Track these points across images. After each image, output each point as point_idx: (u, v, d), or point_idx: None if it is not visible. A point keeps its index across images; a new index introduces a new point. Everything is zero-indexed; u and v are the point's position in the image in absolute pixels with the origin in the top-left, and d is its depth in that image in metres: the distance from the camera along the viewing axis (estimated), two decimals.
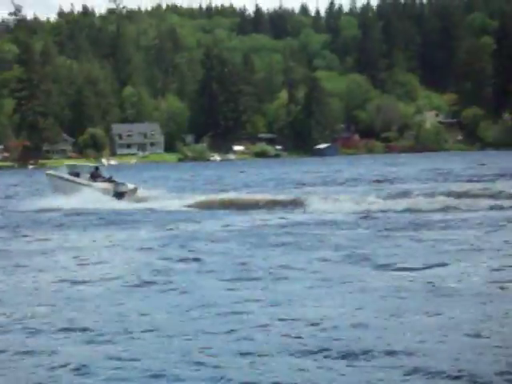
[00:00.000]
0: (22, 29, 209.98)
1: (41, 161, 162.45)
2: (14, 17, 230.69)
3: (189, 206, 37.75)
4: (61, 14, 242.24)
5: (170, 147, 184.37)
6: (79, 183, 44.61)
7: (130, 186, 44.65)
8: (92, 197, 41.53)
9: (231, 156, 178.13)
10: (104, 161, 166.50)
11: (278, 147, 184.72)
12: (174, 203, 39.08)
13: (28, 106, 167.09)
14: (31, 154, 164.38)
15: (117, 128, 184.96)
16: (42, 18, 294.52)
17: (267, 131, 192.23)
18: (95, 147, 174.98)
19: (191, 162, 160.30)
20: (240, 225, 29.92)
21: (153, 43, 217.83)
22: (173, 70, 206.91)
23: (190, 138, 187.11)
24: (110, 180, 45.33)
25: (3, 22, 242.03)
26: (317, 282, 16.48)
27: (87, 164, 55.12)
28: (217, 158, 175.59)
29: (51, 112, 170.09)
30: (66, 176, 46.28)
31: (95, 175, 45.87)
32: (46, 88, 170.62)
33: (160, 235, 27.56)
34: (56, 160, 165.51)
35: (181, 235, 27.08)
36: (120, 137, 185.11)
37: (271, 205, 36.26)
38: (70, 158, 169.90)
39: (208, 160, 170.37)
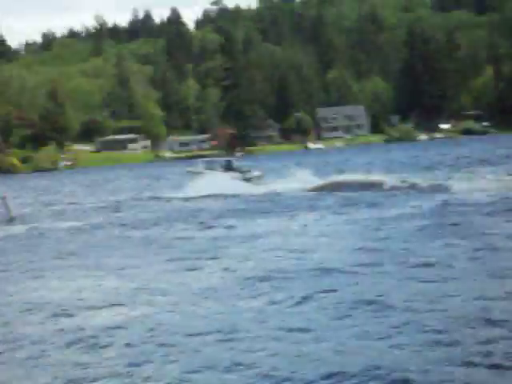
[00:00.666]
0: (224, 18, 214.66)
1: (248, 148, 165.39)
2: (215, 6, 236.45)
3: (306, 190, 42.31)
4: (261, 0, 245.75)
5: (375, 129, 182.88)
6: (211, 174, 52.80)
7: (256, 173, 54.03)
8: (224, 184, 47.64)
9: (437, 134, 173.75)
10: (311, 145, 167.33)
11: (485, 124, 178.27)
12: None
13: (233, 94, 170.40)
14: (238, 141, 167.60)
15: (322, 112, 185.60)
16: (243, 6, 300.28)
17: (473, 108, 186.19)
18: (301, 132, 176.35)
19: (397, 143, 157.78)
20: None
21: (354, 25, 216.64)
22: (375, 51, 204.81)
23: (395, 119, 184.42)
24: (240, 170, 53.51)
25: (205, 12, 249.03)
26: None
27: (221, 158, 62.53)
28: (423, 137, 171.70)
29: (256, 99, 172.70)
30: (202, 170, 55.67)
31: (227, 167, 54.25)
32: (250, 75, 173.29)
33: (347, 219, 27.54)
34: (263, 146, 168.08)
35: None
36: (325, 120, 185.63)
37: None
38: (276, 143, 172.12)
39: (414, 140, 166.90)
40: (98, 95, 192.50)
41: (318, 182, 44.46)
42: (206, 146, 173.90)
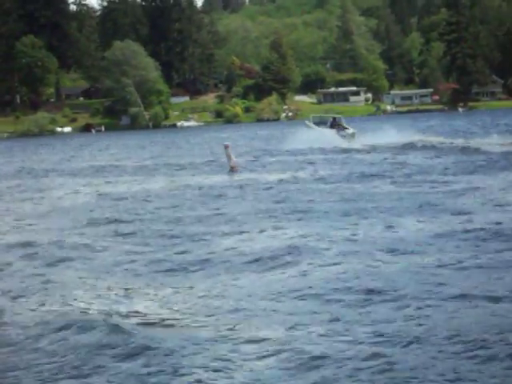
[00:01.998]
0: None
1: (470, 103, 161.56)
2: None
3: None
4: None
5: None
6: (315, 129, 63.06)
7: (350, 130, 61.18)
8: (322, 138, 57.92)
9: None
10: None
11: None
12: None
13: (457, 49, 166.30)
14: (461, 96, 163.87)
15: None
16: None
17: None
18: None
19: None
20: None
21: None
22: None
23: None
24: (342, 127, 61.79)
25: None
26: None
27: (330, 115, 71.60)
28: None
29: (480, 54, 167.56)
30: (312, 125, 65.58)
31: (333, 124, 62.65)
32: (475, 30, 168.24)
33: None
34: (485, 102, 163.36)
35: None
36: None
37: None
38: (499, 100, 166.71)
39: None
40: (321, 47, 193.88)
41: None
42: (427, 100, 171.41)
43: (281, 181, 34.84)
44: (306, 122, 68.55)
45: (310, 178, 35.97)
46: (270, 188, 32.08)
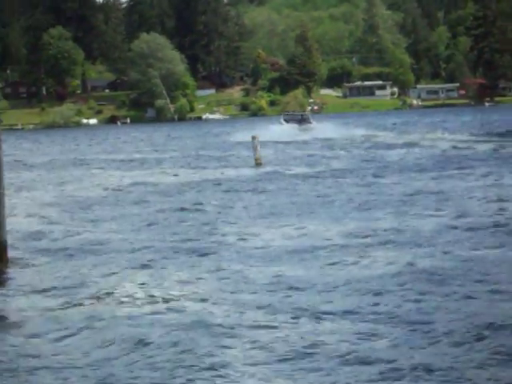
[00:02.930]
0: None
1: (497, 98, 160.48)
2: None
3: None
4: None
5: None
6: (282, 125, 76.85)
7: (312, 125, 73.58)
8: (283, 132, 69.80)
9: None
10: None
11: None
12: None
13: (484, 44, 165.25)
14: (487, 91, 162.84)
15: None
16: None
17: None
18: None
19: None
20: None
21: None
22: None
23: None
24: (308, 122, 76.01)
25: None
26: None
27: (299, 112, 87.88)
28: None
29: (507, 49, 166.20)
30: (282, 121, 79.53)
31: (301, 120, 76.38)
32: (502, 24, 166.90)
33: None
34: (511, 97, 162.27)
35: None
36: None
37: None
38: None
39: None
40: (347, 41, 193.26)
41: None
42: (454, 94, 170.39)
43: None
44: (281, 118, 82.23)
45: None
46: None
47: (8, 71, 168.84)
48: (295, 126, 74.38)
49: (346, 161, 40.91)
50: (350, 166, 37.89)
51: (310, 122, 75.59)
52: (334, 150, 52.36)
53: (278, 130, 70.76)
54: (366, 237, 18.11)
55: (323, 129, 70.95)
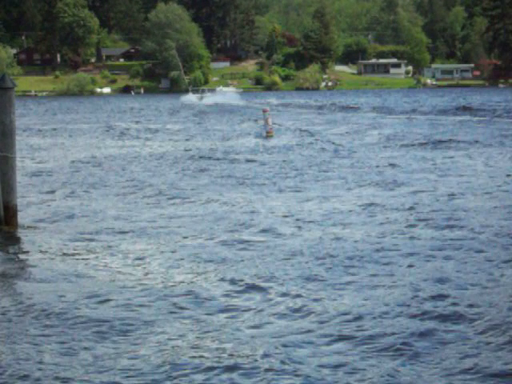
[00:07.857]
0: None
1: (511, 80, 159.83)
2: None
3: None
4: None
5: None
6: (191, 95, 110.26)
7: (206, 95, 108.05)
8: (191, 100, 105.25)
9: None
10: None
11: None
12: None
13: (500, 25, 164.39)
14: (502, 73, 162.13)
15: None
16: None
17: None
18: None
19: None
20: None
21: None
22: None
23: None
24: (205, 94, 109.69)
25: None
26: None
27: (201, 88, 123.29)
28: None
29: None
30: (190, 93, 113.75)
31: (202, 92, 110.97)
32: None
33: None
34: None
35: None
36: None
37: None
38: None
39: None
40: (364, 18, 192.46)
41: None
42: (468, 75, 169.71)
43: None
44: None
45: None
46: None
47: (23, 37, 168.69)
48: (197, 96, 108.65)
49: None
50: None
51: (207, 96, 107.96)
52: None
53: (187, 99, 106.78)
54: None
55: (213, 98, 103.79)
